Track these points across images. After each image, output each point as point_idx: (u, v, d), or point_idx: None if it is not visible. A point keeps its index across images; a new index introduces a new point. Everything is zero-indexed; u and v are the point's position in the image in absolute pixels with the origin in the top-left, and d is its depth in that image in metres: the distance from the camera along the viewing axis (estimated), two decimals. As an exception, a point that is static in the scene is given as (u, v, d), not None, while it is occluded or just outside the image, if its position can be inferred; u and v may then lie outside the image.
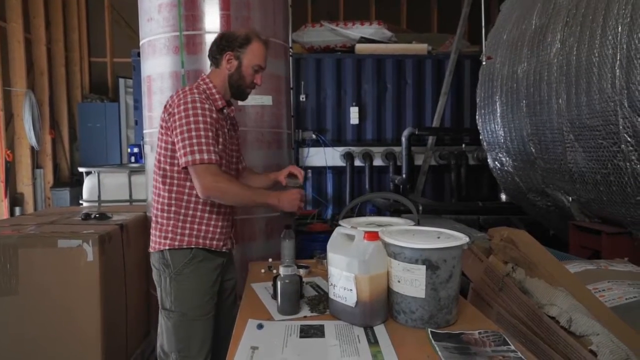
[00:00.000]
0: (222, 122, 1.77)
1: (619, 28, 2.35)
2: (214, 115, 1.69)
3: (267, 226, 2.74)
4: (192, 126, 1.63)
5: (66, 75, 7.12)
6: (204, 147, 1.62)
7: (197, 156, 1.61)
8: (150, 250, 1.79)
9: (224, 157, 1.77)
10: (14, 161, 6.16)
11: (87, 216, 2.59)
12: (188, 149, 1.62)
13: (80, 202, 4.83)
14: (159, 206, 1.76)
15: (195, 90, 1.70)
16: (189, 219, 1.73)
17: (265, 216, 2.74)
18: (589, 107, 2.60)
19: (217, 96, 1.77)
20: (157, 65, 2.67)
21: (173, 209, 1.73)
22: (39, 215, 2.83)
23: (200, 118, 1.64)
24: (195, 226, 1.74)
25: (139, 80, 2.96)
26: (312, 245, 3.33)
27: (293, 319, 1.38)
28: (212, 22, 2.57)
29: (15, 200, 6.19)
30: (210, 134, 1.64)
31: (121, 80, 7.22)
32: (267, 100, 2.70)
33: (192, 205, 1.73)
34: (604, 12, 2.51)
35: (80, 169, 5.21)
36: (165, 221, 1.74)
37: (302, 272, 1.76)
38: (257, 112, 2.68)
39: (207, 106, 1.67)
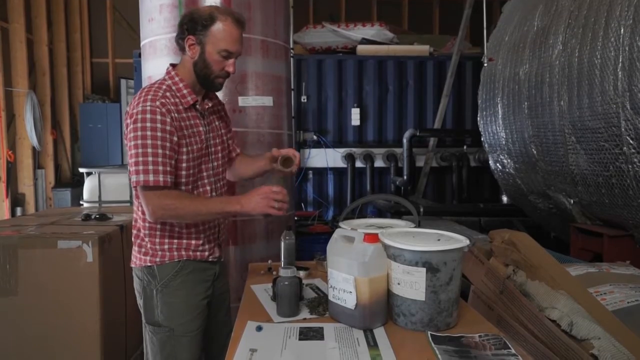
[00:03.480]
0: (194, 122, 1.56)
1: (622, 30, 2.34)
2: (168, 128, 1.45)
3: (267, 227, 2.73)
4: (140, 142, 1.42)
5: (68, 76, 7.13)
6: (151, 167, 1.42)
7: (142, 177, 1.42)
8: (132, 265, 1.63)
9: (199, 164, 1.58)
10: (16, 161, 6.17)
11: (87, 217, 2.59)
12: (134, 168, 1.44)
13: (81, 202, 4.84)
14: (138, 220, 1.60)
15: (151, 95, 1.47)
16: (166, 233, 1.56)
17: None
18: (591, 109, 2.59)
19: (184, 91, 1.53)
20: (158, 66, 2.66)
21: (148, 224, 1.56)
22: (40, 216, 2.83)
23: (149, 133, 1.42)
24: (175, 240, 1.57)
25: (140, 80, 2.96)
26: (312, 247, 3.32)
27: (292, 321, 1.38)
28: (213, 23, 2.57)
29: (17, 200, 6.20)
30: (162, 150, 1.43)
31: (123, 81, 7.22)
32: (267, 101, 2.69)
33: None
34: (606, 14, 2.50)
35: (81, 170, 5.22)
36: (143, 237, 1.58)
37: (302, 273, 1.75)
38: (257, 113, 2.68)
39: (159, 117, 1.43)
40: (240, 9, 2.57)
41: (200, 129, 1.59)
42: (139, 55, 3.00)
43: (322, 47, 6.16)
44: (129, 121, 1.46)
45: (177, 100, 1.52)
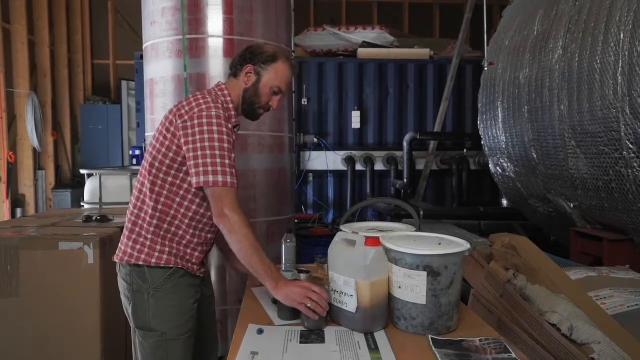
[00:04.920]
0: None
1: (621, 35, 2.35)
2: (233, 138, 1.55)
3: (268, 230, 2.74)
4: (217, 144, 1.47)
5: (69, 77, 7.15)
6: (228, 169, 1.47)
7: (220, 177, 1.45)
8: (118, 260, 1.60)
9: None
10: (16, 162, 6.18)
11: (88, 218, 2.59)
12: (211, 168, 1.45)
13: (82, 204, 4.84)
14: (141, 215, 1.57)
15: (219, 103, 1.56)
16: (169, 236, 1.55)
17: (267, 220, 2.74)
18: (591, 114, 2.60)
19: (232, 112, 1.62)
20: (160, 69, 2.68)
21: (155, 222, 1.54)
22: (40, 217, 2.83)
23: (225, 137, 1.49)
24: (175, 245, 1.56)
25: (142, 82, 2.97)
26: (313, 250, 3.32)
27: (293, 324, 1.38)
28: (215, 26, 2.58)
29: (17, 201, 6.20)
30: (232, 155, 1.50)
31: (124, 83, 7.24)
32: (269, 104, 2.70)
33: (176, 222, 1.55)
34: (606, 20, 2.51)
35: (82, 171, 5.22)
36: (144, 233, 1.55)
37: (302, 276, 1.75)
38: (259, 116, 2.69)
39: (226, 126, 1.51)
40: (242, 13, 2.59)
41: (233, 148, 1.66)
42: (141, 57, 3.01)
43: (323, 50, 6.18)
44: (195, 122, 1.48)
45: (226, 116, 1.57)
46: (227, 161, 1.47)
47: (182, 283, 1.57)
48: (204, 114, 1.49)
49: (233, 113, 1.62)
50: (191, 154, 1.47)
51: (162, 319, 1.54)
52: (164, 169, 1.54)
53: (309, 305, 1.34)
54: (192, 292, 1.60)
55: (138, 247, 1.55)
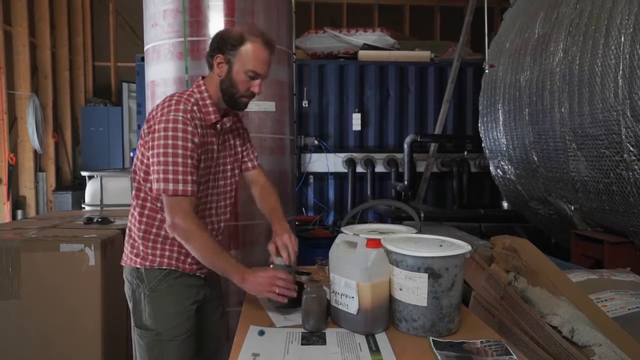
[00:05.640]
0: (210, 139, 1.57)
1: (622, 38, 2.36)
2: (196, 140, 1.47)
3: (269, 231, 2.73)
4: (170, 150, 1.43)
5: (70, 79, 7.15)
6: (180, 177, 1.43)
7: (171, 186, 1.42)
8: (122, 263, 1.63)
9: (206, 182, 1.59)
10: (17, 164, 6.18)
11: (89, 220, 2.60)
12: (162, 175, 1.43)
13: (83, 205, 4.84)
14: (132, 221, 1.60)
15: (182, 105, 1.48)
16: (159, 239, 1.56)
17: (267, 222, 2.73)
18: (592, 116, 2.60)
19: (210, 109, 1.55)
20: (161, 71, 2.68)
21: (143, 227, 1.56)
22: (41, 219, 2.83)
23: (181, 142, 1.43)
24: (167, 247, 1.56)
25: (143, 84, 2.98)
26: (313, 252, 3.32)
27: (294, 325, 1.38)
28: (216, 28, 2.57)
29: (18, 203, 6.20)
30: (189, 161, 1.45)
31: (124, 85, 7.25)
32: (269, 106, 2.70)
33: (164, 226, 1.52)
34: (606, 22, 2.52)
35: (83, 173, 5.23)
36: (136, 238, 1.58)
37: (303, 278, 1.75)
38: (259, 118, 2.69)
39: (190, 129, 1.45)
40: (243, 15, 2.60)
41: (214, 147, 1.60)
42: (142, 59, 3.02)
43: (324, 52, 6.19)
44: (156, 127, 1.46)
45: (201, 115, 1.53)
46: (180, 168, 1.43)
47: (178, 284, 1.58)
48: (164, 118, 1.45)
49: (211, 109, 1.55)
50: (152, 160, 1.46)
51: (157, 319, 1.55)
52: (142, 175, 1.55)
53: (277, 292, 1.40)
54: (190, 293, 1.60)
55: (135, 251, 1.59)
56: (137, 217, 1.57)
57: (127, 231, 1.63)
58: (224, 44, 1.53)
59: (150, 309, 1.55)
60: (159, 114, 1.48)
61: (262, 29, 1.66)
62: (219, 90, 1.56)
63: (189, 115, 1.47)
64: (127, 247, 1.62)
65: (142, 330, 1.57)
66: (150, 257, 1.56)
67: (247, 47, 1.51)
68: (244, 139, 1.79)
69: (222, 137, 1.64)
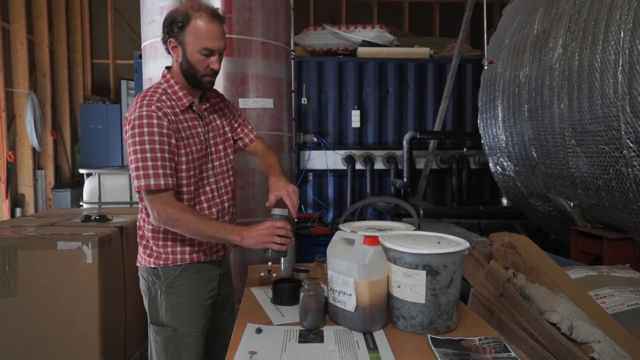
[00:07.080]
0: (192, 123, 1.56)
1: (621, 34, 2.35)
2: (165, 131, 1.45)
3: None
4: (139, 147, 1.43)
5: (68, 77, 7.13)
6: (151, 172, 1.43)
7: (144, 182, 1.44)
8: (137, 264, 1.65)
9: (200, 165, 1.58)
10: (16, 162, 6.17)
11: (87, 218, 2.59)
12: (135, 173, 1.45)
13: (81, 203, 4.83)
14: (141, 221, 1.61)
15: (146, 100, 1.47)
16: (169, 236, 1.56)
17: (265, 219, 2.73)
18: (591, 113, 2.59)
19: (180, 94, 1.53)
20: (159, 68, 2.65)
21: (151, 227, 1.57)
22: (39, 217, 2.83)
23: (147, 137, 1.43)
24: (178, 242, 1.57)
25: (141, 82, 2.96)
26: (312, 249, 3.32)
27: (292, 323, 1.38)
28: (214, 24, 2.57)
29: (16, 201, 6.20)
30: (161, 154, 1.44)
31: (123, 82, 7.23)
32: (268, 103, 2.69)
33: None
34: (606, 18, 2.51)
35: (81, 171, 5.21)
36: (149, 238, 1.59)
37: (301, 276, 1.75)
38: (258, 115, 2.68)
39: (155, 121, 1.44)
40: (241, 11, 2.58)
41: (199, 130, 1.59)
42: (140, 57, 3.00)
43: (323, 49, 6.17)
44: (127, 127, 1.47)
45: (173, 103, 1.52)
46: (150, 163, 1.43)
47: (194, 280, 1.60)
48: (131, 117, 1.46)
49: (181, 94, 1.54)
50: (131, 158, 1.47)
51: (173, 315, 1.57)
52: None
53: (278, 241, 1.46)
54: (205, 289, 1.63)
55: (148, 251, 1.60)
56: (146, 218, 1.58)
57: (138, 230, 1.63)
58: (172, 26, 1.49)
59: (166, 305, 1.57)
60: (128, 115, 1.50)
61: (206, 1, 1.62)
62: (181, 74, 1.54)
63: (153, 107, 1.45)
64: (140, 248, 1.63)
65: (158, 326, 1.59)
66: (164, 256, 1.57)
67: (194, 25, 1.47)
68: (233, 116, 1.77)
69: (206, 119, 1.63)
